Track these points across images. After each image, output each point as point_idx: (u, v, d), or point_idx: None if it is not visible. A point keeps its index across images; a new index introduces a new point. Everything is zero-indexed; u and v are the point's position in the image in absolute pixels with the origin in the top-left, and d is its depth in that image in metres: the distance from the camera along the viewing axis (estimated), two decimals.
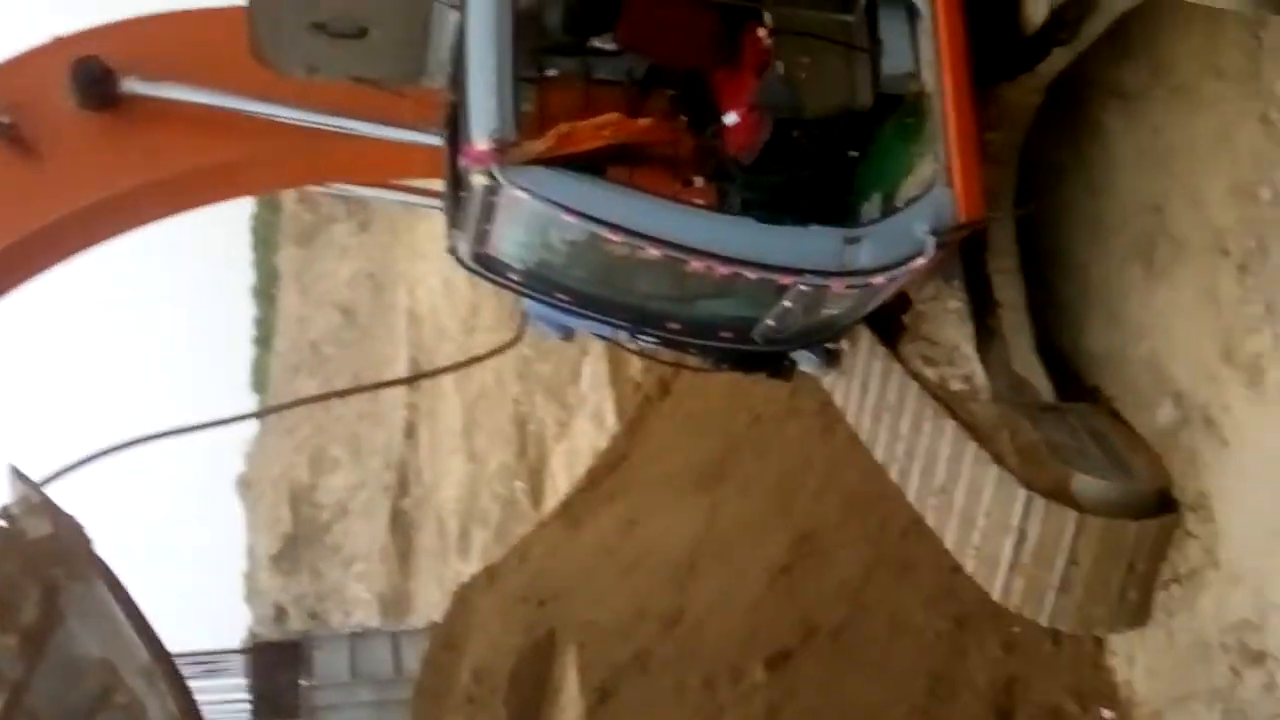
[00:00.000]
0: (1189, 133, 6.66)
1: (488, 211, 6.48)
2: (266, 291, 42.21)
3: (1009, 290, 7.12)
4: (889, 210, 6.41)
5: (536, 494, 22.63)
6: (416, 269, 29.69)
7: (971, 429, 6.94)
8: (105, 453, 5.92)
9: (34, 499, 5.11)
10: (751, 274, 6.22)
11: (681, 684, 10.00)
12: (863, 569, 8.96)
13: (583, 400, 20.51)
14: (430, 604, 26.08)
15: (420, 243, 28.83)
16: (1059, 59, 6.80)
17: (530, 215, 6.43)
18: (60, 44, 8.25)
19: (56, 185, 7.89)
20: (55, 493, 5.38)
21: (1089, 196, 7.39)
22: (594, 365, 19.65)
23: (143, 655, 4.86)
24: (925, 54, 6.43)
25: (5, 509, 5.12)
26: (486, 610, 13.90)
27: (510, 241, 6.75)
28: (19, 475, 5.20)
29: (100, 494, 5.25)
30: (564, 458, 21.40)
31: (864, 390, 7.66)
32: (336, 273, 36.88)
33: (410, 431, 30.40)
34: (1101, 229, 7.27)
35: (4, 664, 4.91)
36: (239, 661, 21.24)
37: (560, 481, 20.95)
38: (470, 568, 21.92)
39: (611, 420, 18.33)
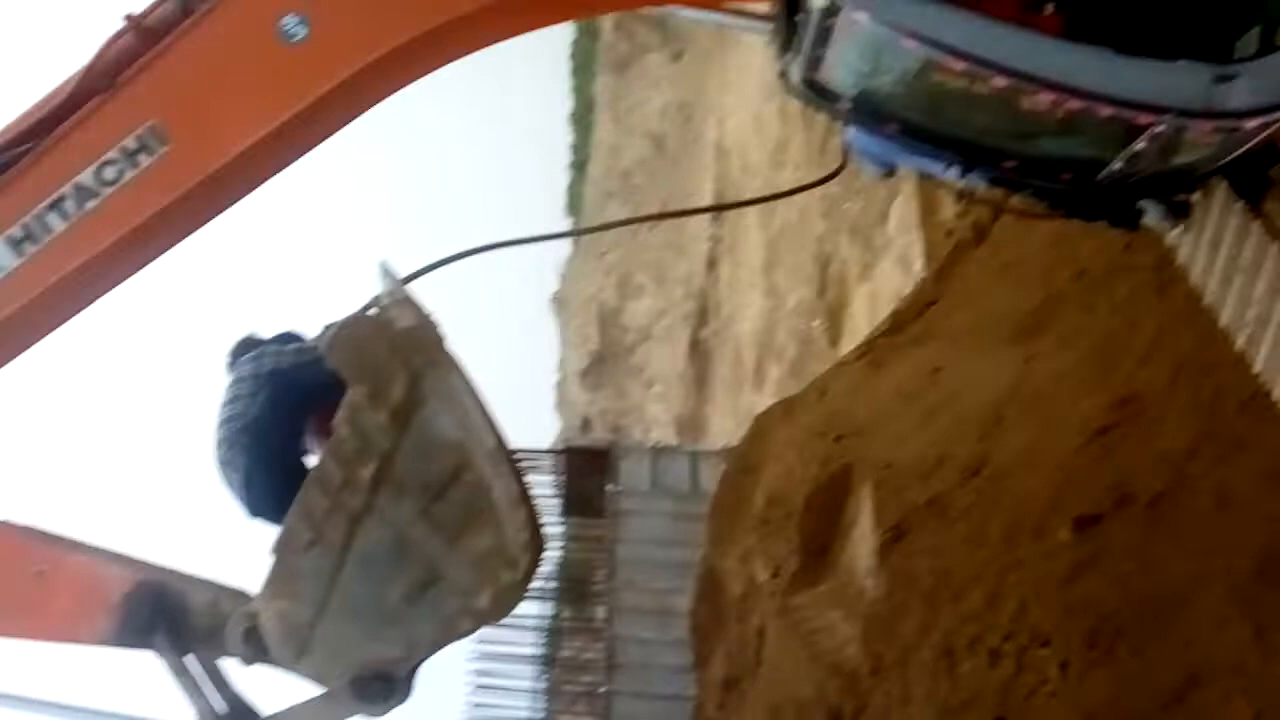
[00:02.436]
0: None
1: (823, 35, 6.23)
2: (583, 118, 43.23)
3: None
4: (1268, 46, 5.81)
5: (834, 334, 22.45)
6: (726, 102, 29.47)
7: None
8: (447, 260, 6.13)
9: (399, 293, 5.40)
10: (1105, 111, 5.78)
11: (979, 533, 9.77)
12: (1189, 440, 8.42)
13: (889, 243, 20.01)
14: (723, 430, 26.54)
15: (731, 75, 28.56)
16: None
17: (868, 40, 6.15)
18: None
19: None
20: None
21: None
22: (903, 207, 19.05)
23: (490, 441, 5.21)
24: None
25: (376, 298, 5.45)
26: (783, 441, 13.92)
27: (843, 68, 6.46)
28: (387, 270, 5.50)
29: (433, 300, 5.48)
30: (865, 300, 21.06)
31: (1214, 249, 7.09)
32: (649, 102, 37.22)
33: (712, 264, 30.62)
34: None
35: (376, 436, 5.25)
36: (550, 461, 22.31)
37: (860, 323, 20.66)
38: (764, 400, 22.06)
39: (919, 265, 17.81)
